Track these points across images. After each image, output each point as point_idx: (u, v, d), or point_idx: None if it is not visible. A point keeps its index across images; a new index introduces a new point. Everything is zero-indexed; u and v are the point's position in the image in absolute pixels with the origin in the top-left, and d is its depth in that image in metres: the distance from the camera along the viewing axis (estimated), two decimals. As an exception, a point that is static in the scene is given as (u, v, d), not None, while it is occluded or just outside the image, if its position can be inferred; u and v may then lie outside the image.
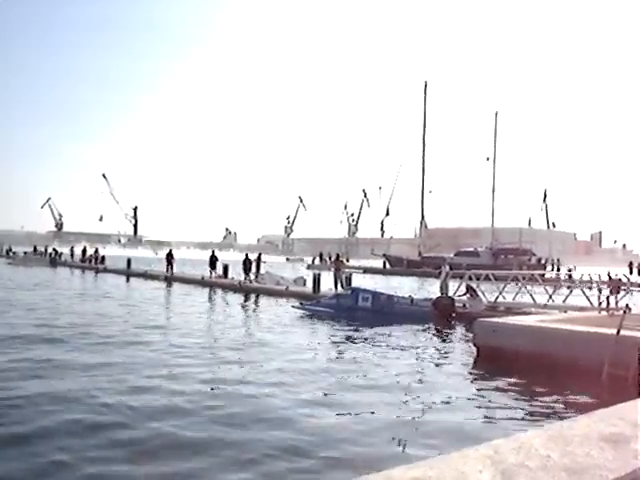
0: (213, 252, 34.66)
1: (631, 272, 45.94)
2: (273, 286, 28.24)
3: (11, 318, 16.86)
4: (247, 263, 32.06)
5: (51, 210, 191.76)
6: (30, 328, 14.88)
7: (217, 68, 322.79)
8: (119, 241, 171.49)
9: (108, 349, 12.34)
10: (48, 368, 10.14)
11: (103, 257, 52.34)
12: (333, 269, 28.73)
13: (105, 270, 46.04)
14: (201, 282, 32.84)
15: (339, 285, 25.88)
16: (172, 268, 37.49)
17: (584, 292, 20.10)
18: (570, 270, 35.59)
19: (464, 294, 19.79)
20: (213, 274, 33.93)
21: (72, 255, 58.44)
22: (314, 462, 6.04)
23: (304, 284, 28.73)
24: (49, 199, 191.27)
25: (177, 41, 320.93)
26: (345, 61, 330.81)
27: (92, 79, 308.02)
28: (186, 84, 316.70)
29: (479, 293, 19.71)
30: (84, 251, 58.96)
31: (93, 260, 54.12)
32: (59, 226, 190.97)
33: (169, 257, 37.82)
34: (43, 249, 65.55)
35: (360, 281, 31.84)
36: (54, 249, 63.17)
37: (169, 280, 35.14)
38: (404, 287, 31.82)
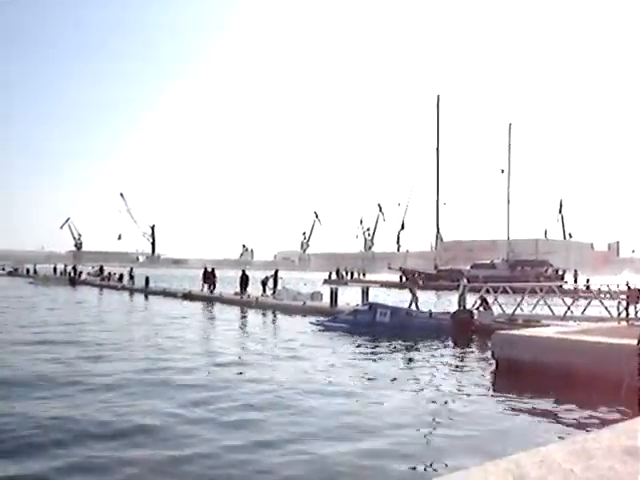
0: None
1: (651, 281, 45.22)
2: (290, 302, 28.22)
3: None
4: (244, 279, 32.85)
5: (70, 230, 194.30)
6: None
7: (233, 85, 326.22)
8: (137, 259, 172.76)
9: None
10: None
11: (121, 275, 52.84)
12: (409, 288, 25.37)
13: (123, 288, 46.34)
14: (217, 299, 32.80)
15: (413, 306, 22.83)
16: (214, 287, 35.72)
17: (602, 303, 19.86)
18: (588, 281, 35.16)
19: (478, 307, 19.67)
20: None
21: (101, 274, 58.70)
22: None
23: (321, 299, 28.71)
24: (68, 219, 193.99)
25: (188, 46, 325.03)
26: (358, 75, 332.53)
27: (103, 92, 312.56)
28: (199, 101, 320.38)
29: (491, 305, 19.55)
30: (101, 269, 59.86)
31: (111, 278, 54.59)
32: (78, 246, 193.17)
33: (209, 275, 36.04)
34: (63, 268, 66.32)
35: (378, 295, 31.66)
36: (73, 268, 63.84)
37: (210, 300, 33.01)
38: (420, 301, 31.50)
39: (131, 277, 49.06)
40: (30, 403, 8.95)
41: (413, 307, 22.49)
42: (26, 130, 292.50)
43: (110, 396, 9.48)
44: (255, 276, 33.40)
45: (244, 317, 25.13)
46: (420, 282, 25.78)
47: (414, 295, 23.84)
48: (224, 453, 6.75)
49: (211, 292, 35.24)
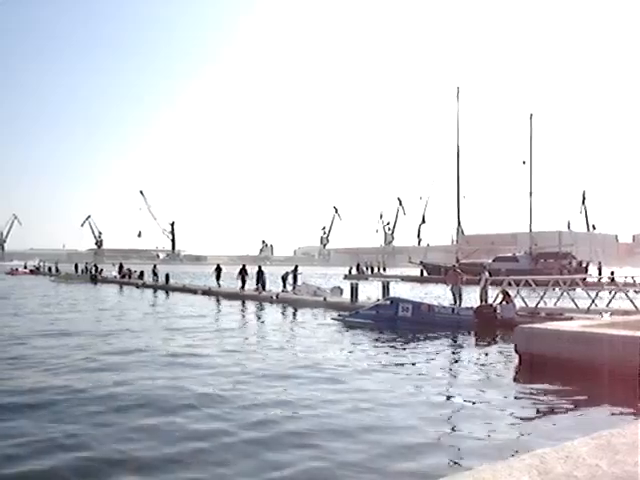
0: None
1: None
2: (310, 297, 28.31)
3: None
4: (243, 273, 33.80)
5: (91, 228, 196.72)
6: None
7: (254, 80, 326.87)
8: (157, 256, 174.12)
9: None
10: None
11: (142, 273, 53.20)
12: (450, 284, 24.30)
13: (145, 285, 46.73)
14: (238, 295, 32.93)
15: (457, 301, 22.52)
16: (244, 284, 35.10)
17: (627, 295, 19.59)
18: (612, 273, 34.67)
19: (500, 301, 19.49)
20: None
21: (120, 272, 58.94)
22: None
23: (341, 294, 28.75)
24: (89, 217, 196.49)
25: (209, 43, 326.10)
26: (378, 68, 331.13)
27: (124, 91, 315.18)
28: (218, 97, 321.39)
29: (512, 299, 19.36)
30: (120, 267, 60.20)
31: (131, 276, 55.02)
32: (99, 243, 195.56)
33: (243, 272, 35.25)
34: (84, 266, 67.16)
35: (399, 290, 31.55)
36: (95, 265, 64.58)
37: (242, 298, 32.33)
38: (437, 294, 31.44)
39: (155, 274, 48.16)
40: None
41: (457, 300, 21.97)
42: (46, 128, 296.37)
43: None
44: (275, 272, 33.37)
45: (261, 312, 25.23)
46: (463, 277, 24.26)
47: (454, 293, 23.23)
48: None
49: (242, 288, 34.73)
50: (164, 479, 6.02)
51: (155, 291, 41.63)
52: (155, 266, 51.82)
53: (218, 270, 40.17)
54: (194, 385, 10.15)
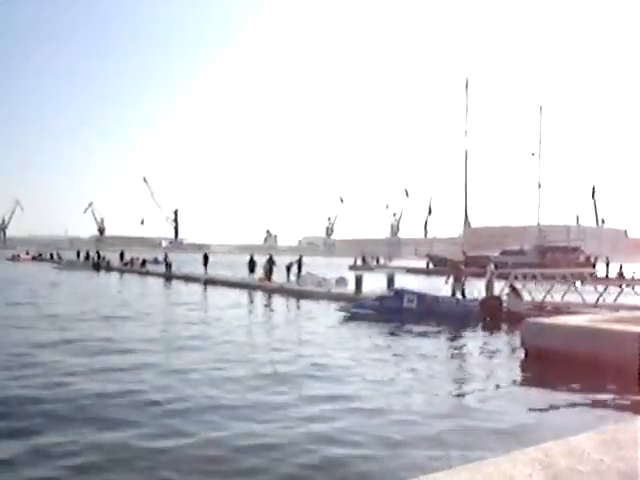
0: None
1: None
2: (314, 288, 28.17)
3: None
4: (252, 264, 34.36)
5: (93, 215, 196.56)
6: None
7: (257, 69, 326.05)
8: (160, 244, 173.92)
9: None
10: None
11: (144, 261, 53.09)
12: (451, 278, 22.95)
13: (147, 273, 46.61)
14: (243, 285, 32.85)
15: (457, 294, 21.24)
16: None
17: (635, 290, 19.48)
18: (621, 268, 34.48)
19: (507, 293, 19.43)
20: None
21: (122, 260, 58.31)
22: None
23: (346, 285, 28.63)
24: (91, 204, 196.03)
25: (209, 45, 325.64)
26: (386, 58, 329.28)
27: (129, 80, 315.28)
28: (223, 86, 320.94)
29: (520, 292, 19.27)
30: (122, 255, 59.57)
31: (134, 264, 54.59)
32: (101, 230, 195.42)
33: (270, 263, 33.03)
34: (85, 253, 66.71)
35: (405, 281, 31.41)
36: (97, 252, 63.72)
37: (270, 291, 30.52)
38: (442, 287, 30.99)
39: (167, 265, 45.29)
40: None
41: (458, 295, 21.28)
42: (49, 116, 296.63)
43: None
44: (279, 262, 33.18)
45: (268, 303, 25.20)
46: (462, 266, 24.76)
47: (457, 281, 22.18)
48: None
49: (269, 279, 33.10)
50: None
51: (168, 280, 40.80)
52: (167, 255, 50.09)
53: (205, 258, 42.49)
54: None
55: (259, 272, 33.92)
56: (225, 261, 67.02)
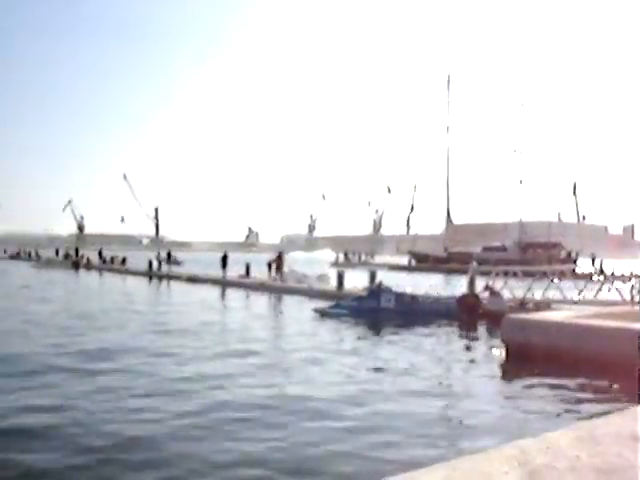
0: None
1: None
2: (296, 285, 27.96)
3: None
4: (224, 260, 34.84)
5: (72, 212, 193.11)
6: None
7: (236, 68, 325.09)
8: (140, 242, 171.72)
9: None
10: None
11: (124, 259, 52.63)
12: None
13: (127, 272, 46.00)
14: (222, 282, 32.68)
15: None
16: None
17: (615, 286, 19.66)
18: (601, 264, 34.88)
19: (486, 292, 19.26)
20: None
21: (101, 258, 57.17)
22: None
23: (328, 281, 28.41)
24: (70, 201, 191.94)
25: (195, 44, 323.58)
26: (367, 55, 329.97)
27: (110, 78, 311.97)
28: (205, 86, 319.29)
29: (501, 289, 19.12)
30: (100, 253, 58.04)
31: (113, 262, 54.05)
32: (81, 228, 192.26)
33: (279, 260, 31.64)
34: (65, 251, 65.14)
35: (387, 278, 31.28)
36: (76, 250, 62.43)
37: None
38: (424, 283, 31.02)
39: (164, 261, 46.90)
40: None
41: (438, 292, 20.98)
42: (29, 112, 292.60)
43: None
44: (261, 259, 33.06)
45: (254, 301, 25.03)
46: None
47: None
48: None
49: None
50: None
51: (156, 279, 39.91)
52: (159, 254, 49.10)
53: (168, 255, 50.18)
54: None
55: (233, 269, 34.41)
56: (206, 259, 66.34)
